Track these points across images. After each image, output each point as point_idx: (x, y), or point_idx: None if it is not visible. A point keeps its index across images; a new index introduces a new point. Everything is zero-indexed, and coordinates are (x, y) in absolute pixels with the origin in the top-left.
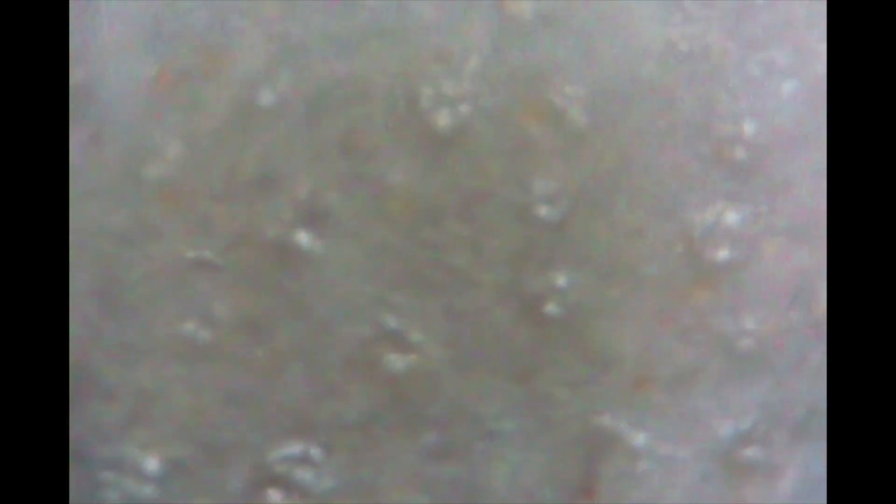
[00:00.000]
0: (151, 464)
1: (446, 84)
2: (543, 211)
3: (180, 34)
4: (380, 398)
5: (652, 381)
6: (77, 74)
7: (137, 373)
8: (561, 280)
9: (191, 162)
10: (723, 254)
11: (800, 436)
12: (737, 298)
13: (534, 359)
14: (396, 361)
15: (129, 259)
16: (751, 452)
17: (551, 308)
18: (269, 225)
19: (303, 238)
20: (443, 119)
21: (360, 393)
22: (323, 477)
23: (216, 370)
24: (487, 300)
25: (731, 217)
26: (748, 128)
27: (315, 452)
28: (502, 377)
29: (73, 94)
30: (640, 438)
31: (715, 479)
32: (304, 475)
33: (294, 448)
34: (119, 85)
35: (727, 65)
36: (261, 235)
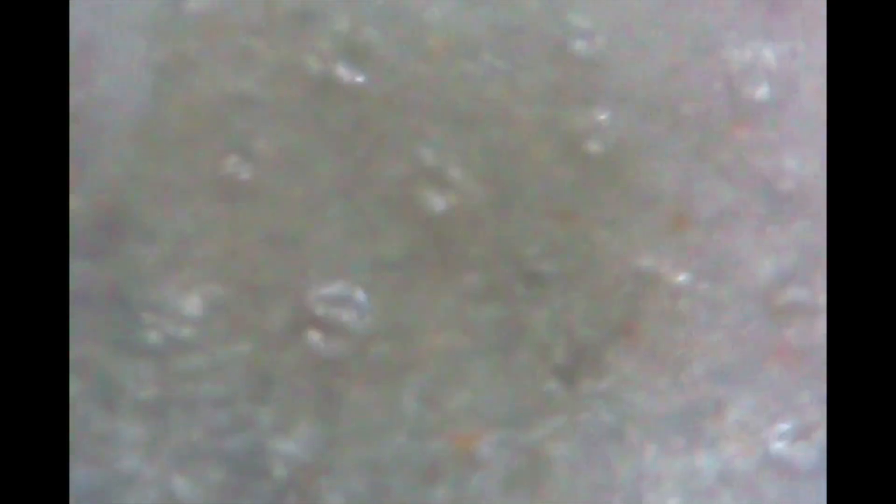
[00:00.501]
0: (191, 305)
1: None
2: (580, 46)
3: None
4: (420, 238)
5: (692, 220)
6: None
7: (177, 213)
8: (601, 117)
9: None
10: (762, 91)
11: None
12: (776, 137)
13: (574, 198)
14: (436, 201)
15: (170, 93)
16: (791, 293)
17: (592, 145)
18: (309, 58)
19: (343, 72)
20: None
21: (400, 233)
22: (363, 318)
23: (256, 209)
24: (526, 136)
25: (769, 54)
26: None
27: (355, 293)
28: (543, 217)
29: None
30: (680, 278)
31: (756, 320)
32: (344, 316)
33: (334, 288)
34: None
35: None
36: (301, 69)
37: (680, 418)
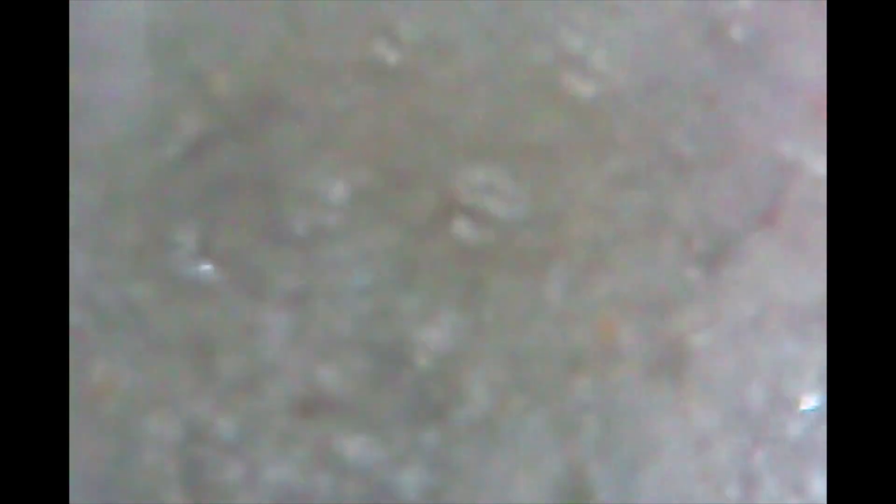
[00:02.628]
0: (337, 190)
1: None
2: None
3: None
4: (564, 122)
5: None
6: None
7: (324, 94)
8: (746, 3)
9: None
10: None
11: None
12: None
13: (718, 83)
14: (582, 86)
15: None
16: None
17: (736, 32)
18: None
19: None
20: None
21: (545, 116)
22: (509, 205)
23: (402, 92)
24: (673, 23)
25: None
26: None
27: (500, 179)
28: (687, 102)
29: None
30: (822, 166)
31: None
32: (489, 203)
33: (480, 174)
34: None
35: None
36: None
37: (820, 307)
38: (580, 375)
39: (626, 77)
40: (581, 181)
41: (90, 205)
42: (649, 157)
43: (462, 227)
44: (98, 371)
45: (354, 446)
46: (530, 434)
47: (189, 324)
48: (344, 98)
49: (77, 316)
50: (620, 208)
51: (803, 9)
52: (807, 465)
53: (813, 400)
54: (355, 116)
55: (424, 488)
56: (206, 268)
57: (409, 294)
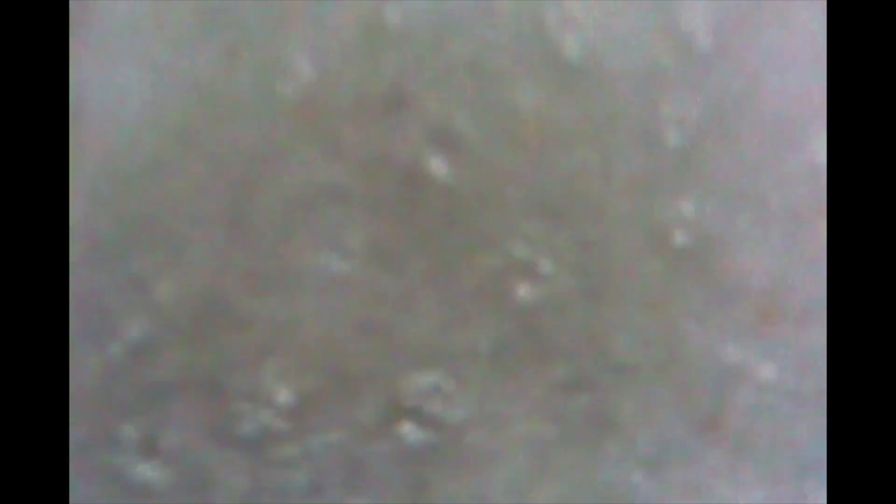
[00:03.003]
0: (284, 395)
1: (573, 6)
2: (672, 137)
3: None
4: (510, 329)
5: (780, 313)
6: None
7: (269, 302)
8: (689, 210)
9: (322, 80)
10: None
11: None
12: None
13: (662, 290)
14: (527, 292)
15: (261, 184)
16: None
17: (679, 238)
18: (399, 148)
19: (433, 165)
20: (570, 44)
21: (491, 323)
22: (455, 408)
23: (348, 301)
24: (617, 230)
25: None
26: None
27: (447, 383)
28: (631, 308)
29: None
30: (767, 371)
31: None
32: (436, 407)
33: (426, 379)
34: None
35: None
36: (392, 160)
37: None
38: None
39: (571, 283)
40: (525, 385)
41: None
42: (593, 361)
43: (407, 429)
44: None
45: None
46: None
47: None
48: (290, 306)
49: None
50: (564, 411)
51: (748, 213)
52: None
53: None
54: (302, 324)
55: None
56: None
57: (356, 494)
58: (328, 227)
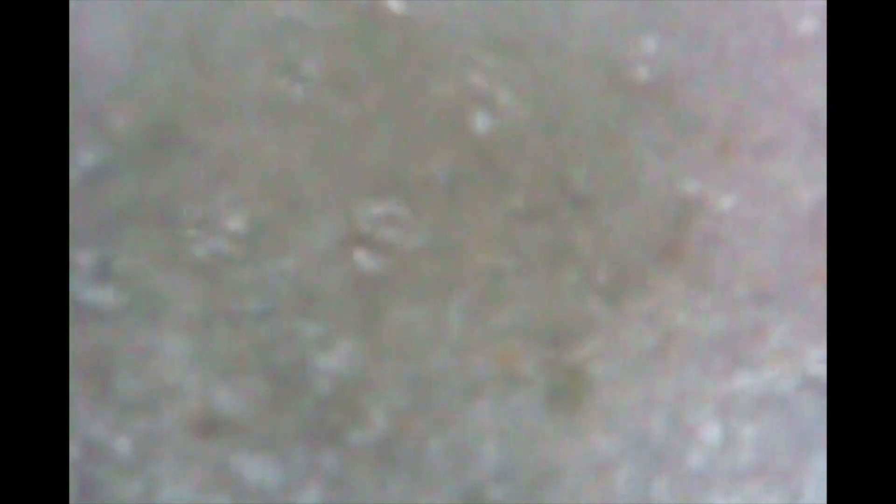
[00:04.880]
0: (238, 221)
1: None
2: None
3: None
4: (466, 158)
5: (738, 147)
6: None
7: (225, 130)
8: (650, 47)
9: None
10: (808, 24)
11: None
12: (823, 70)
13: (622, 123)
14: (484, 122)
15: (220, 15)
16: None
17: (641, 74)
18: None
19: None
20: None
21: (447, 153)
22: (410, 237)
23: (304, 128)
24: (576, 65)
25: None
26: None
27: (402, 211)
28: (590, 141)
29: None
30: (725, 203)
31: (799, 243)
32: (391, 234)
33: (381, 206)
34: None
35: None
36: None
37: (722, 340)
38: (480, 401)
39: (529, 115)
40: (481, 215)
41: None
42: (550, 193)
43: (362, 257)
44: None
45: (252, 467)
46: (430, 458)
47: (87, 346)
48: (245, 133)
49: None
50: (521, 241)
51: (709, 51)
52: (705, 493)
53: (713, 430)
54: (256, 151)
55: None
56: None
57: (309, 320)
58: (286, 56)
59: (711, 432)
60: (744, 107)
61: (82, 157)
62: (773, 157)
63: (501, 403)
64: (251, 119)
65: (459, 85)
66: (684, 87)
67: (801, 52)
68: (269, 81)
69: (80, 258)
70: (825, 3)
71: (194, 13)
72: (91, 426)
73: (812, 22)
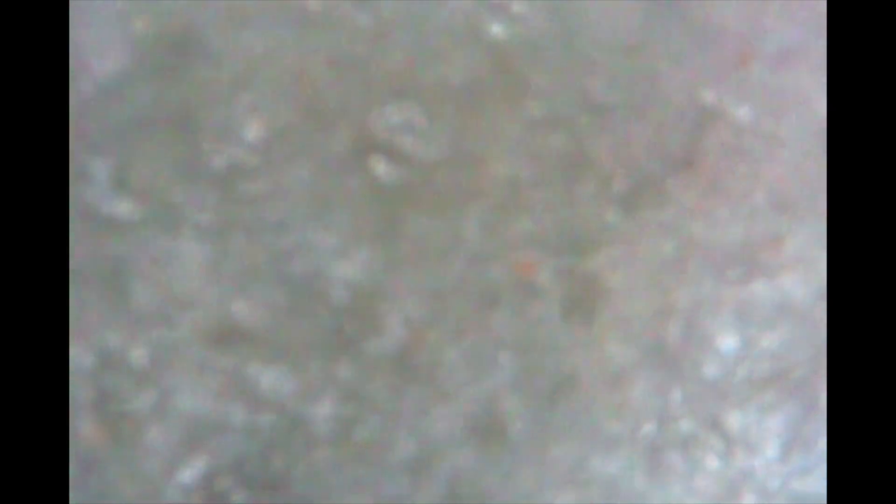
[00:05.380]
0: (255, 129)
1: None
2: None
3: None
4: (484, 66)
5: (756, 56)
6: None
7: (245, 37)
8: None
9: None
10: None
11: None
12: None
13: (640, 34)
14: (500, 30)
15: None
16: None
17: None
18: None
19: None
20: None
21: (464, 60)
22: (427, 145)
23: (323, 35)
24: None
25: None
26: None
27: (419, 119)
28: (608, 51)
29: None
30: (743, 113)
31: (815, 153)
32: (407, 143)
33: (398, 115)
34: None
35: None
36: None
37: (738, 249)
38: (497, 311)
39: (546, 24)
40: (498, 123)
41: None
42: (568, 102)
43: (379, 165)
44: None
45: (268, 377)
46: (446, 367)
47: (103, 256)
48: (263, 40)
49: None
50: (538, 150)
51: None
52: (722, 403)
53: (730, 339)
54: (274, 58)
55: (338, 420)
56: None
57: (325, 229)
58: None
59: (727, 341)
60: (761, 16)
61: (101, 65)
62: (791, 67)
63: (518, 313)
64: (270, 26)
65: None
66: None
67: None
68: None
69: (97, 167)
70: None
71: None
72: (106, 336)
73: None
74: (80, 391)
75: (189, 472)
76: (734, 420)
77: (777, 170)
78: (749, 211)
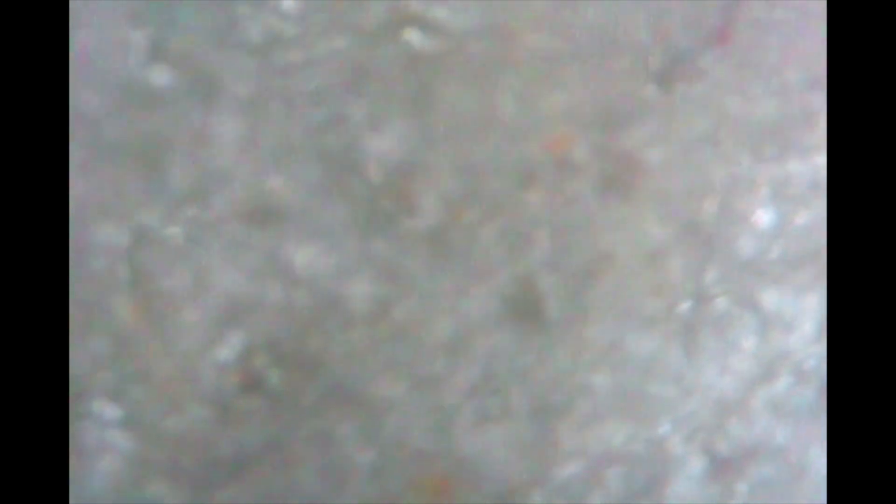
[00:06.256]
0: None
1: None
2: None
3: None
4: None
5: None
6: None
7: None
8: None
9: None
10: None
11: None
12: None
13: None
14: None
15: None
16: None
17: None
18: None
19: None
20: None
21: None
22: (460, 15)
23: None
24: None
25: None
26: None
27: None
28: None
29: None
30: None
31: None
32: (441, 14)
33: None
34: None
35: None
36: None
37: (773, 125)
38: (532, 189)
39: None
40: None
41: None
42: None
43: (412, 36)
44: None
45: (303, 254)
46: (481, 246)
47: (140, 132)
48: None
49: None
50: (573, 24)
51: None
52: (758, 281)
53: (765, 217)
54: None
55: (374, 300)
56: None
57: (359, 100)
58: None
59: (763, 218)
60: None
61: None
62: None
63: (553, 191)
64: None
65: None
66: None
67: None
68: None
69: (135, 38)
70: None
71: None
72: (142, 214)
73: None
74: (115, 270)
75: (225, 351)
76: (770, 299)
77: (811, 45)
78: (783, 87)
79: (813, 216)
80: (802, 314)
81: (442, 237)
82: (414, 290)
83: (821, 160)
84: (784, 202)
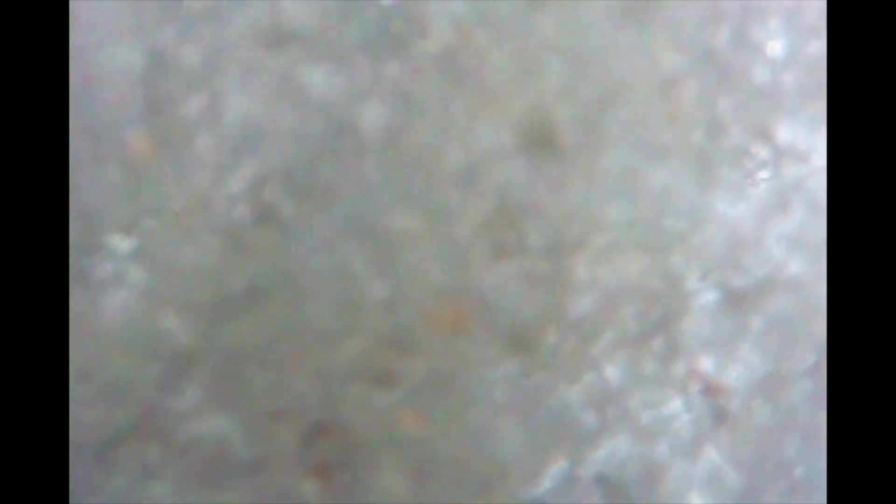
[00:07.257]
0: None
1: None
2: None
3: None
4: None
5: None
6: None
7: None
8: None
9: None
10: None
11: None
12: None
13: None
14: None
15: None
16: None
17: None
18: None
19: None
20: None
21: None
22: None
23: None
24: None
25: None
26: None
27: None
28: None
29: None
30: None
31: None
32: None
33: None
34: None
35: None
36: None
37: None
38: (544, 13)
39: None
40: None
41: None
42: None
43: None
44: None
45: (317, 77)
46: (494, 71)
47: None
48: None
49: None
50: None
51: None
52: (771, 112)
53: (778, 46)
54: None
55: (387, 127)
56: None
57: None
58: None
59: (776, 47)
60: None
61: None
62: None
63: (566, 15)
64: None
65: None
66: None
67: None
68: None
69: None
70: None
71: None
72: (158, 36)
73: None
74: (129, 96)
75: (237, 183)
76: (784, 130)
77: None
78: None
79: (825, 46)
80: (816, 147)
81: (453, 60)
82: (426, 115)
83: None
84: (796, 32)
